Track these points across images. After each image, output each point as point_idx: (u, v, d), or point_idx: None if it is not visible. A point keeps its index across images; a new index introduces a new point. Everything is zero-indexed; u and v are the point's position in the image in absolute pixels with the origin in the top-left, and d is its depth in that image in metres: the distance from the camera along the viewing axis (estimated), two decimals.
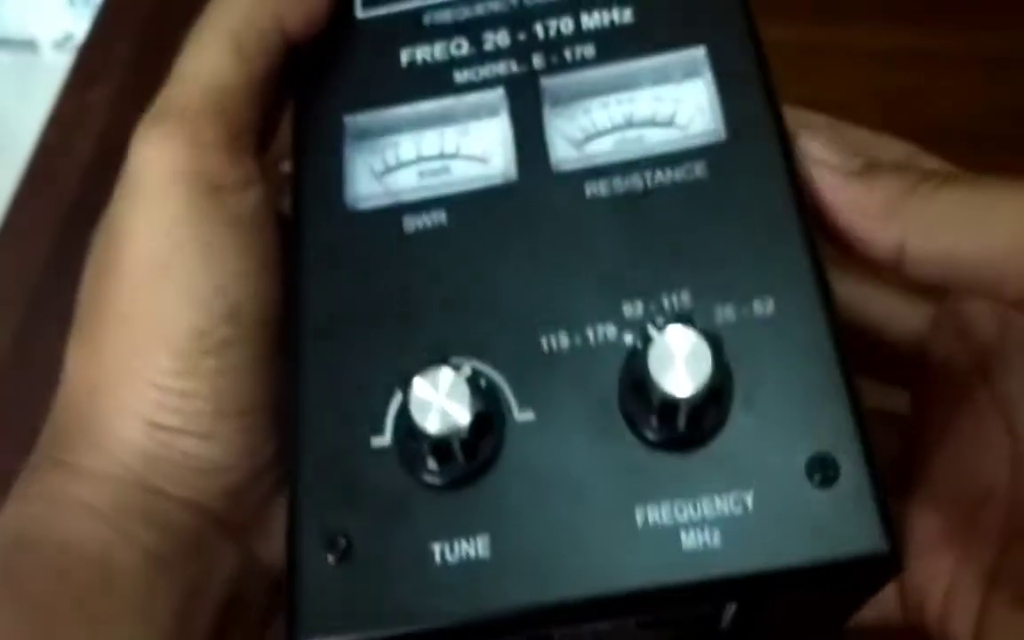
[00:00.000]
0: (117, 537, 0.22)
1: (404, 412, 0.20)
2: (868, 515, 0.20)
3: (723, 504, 0.20)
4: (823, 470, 0.20)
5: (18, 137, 0.53)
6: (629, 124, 0.25)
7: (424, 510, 0.21)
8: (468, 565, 0.20)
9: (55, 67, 0.56)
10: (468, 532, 0.20)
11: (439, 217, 0.23)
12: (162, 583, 0.22)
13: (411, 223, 0.24)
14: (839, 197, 0.23)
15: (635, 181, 0.23)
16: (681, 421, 0.20)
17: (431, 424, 0.20)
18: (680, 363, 0.19)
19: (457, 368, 0.20)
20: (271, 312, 0.24)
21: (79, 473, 0.23)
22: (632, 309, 0.22)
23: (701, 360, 0.19)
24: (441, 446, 0.20)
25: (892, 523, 0.20)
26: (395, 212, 0.24)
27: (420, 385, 0.20)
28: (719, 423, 0.20)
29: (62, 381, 0.24)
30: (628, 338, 0.21)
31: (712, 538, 0.20)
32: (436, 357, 0.21)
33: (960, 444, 0.26)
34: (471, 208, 0.24)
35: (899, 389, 0.29)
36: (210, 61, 0.24)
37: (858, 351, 0.22)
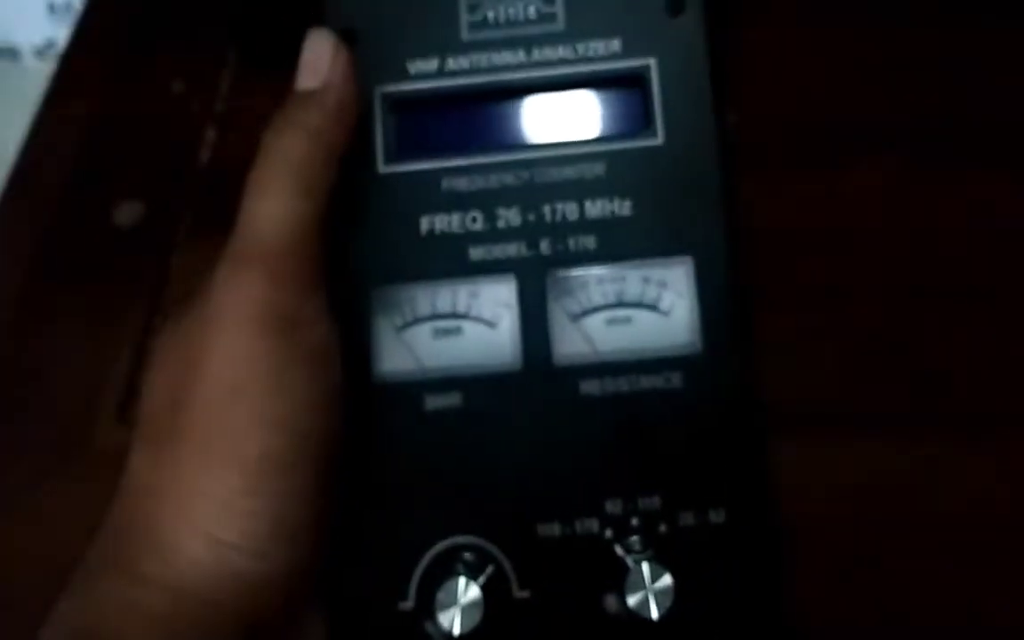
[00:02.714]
0: None
1: (425, 585, 0.26)
2: None
3: None
4: None
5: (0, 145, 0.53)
6: (620, 303, 0.28)
7: None
8: None
9: (37, 75, 0.55)
10: None
11: (454, 399, 0.28)
12: None
13: (431, 403, 0.28)
14: None
15: (622, 384, 0.27)
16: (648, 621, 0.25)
17: (455, 626, 0.25)
18: (651, 594, 0.25)
19: (474, 578, 0.26)
20: (334, 441, 0.26)
21: (139, 580, 0.24)
22: (613, 506, 0.26)
23: (667, 593, 0.25)
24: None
25: None
26: (418, 388, 0.28)
27: (444, 594, 0.26)
28: (680, 615, 0.25)
29: (123, 483, 0.25)
30: (608, 533, 0.26)
31: None
32: (459, 567, 0.26)
33: None
34: (482, 393, 0.28)
35: None
36: (281, 204, 0.25)
37: None
